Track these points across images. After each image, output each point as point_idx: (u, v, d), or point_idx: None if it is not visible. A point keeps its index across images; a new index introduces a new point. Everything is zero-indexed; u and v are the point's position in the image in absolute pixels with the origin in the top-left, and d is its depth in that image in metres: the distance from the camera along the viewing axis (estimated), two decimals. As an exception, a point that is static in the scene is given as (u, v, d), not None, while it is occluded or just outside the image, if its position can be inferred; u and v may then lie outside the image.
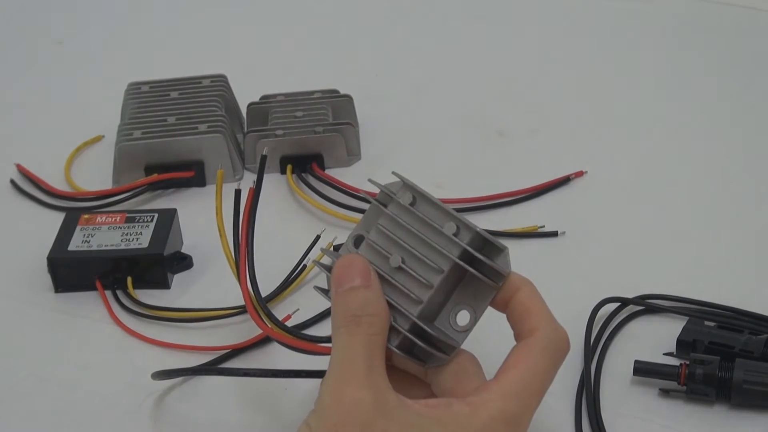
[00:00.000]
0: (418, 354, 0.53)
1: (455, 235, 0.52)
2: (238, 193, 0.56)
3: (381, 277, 0.53)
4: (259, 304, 0.56)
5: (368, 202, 0.55)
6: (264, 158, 0.57)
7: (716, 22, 1.02)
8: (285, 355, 0.66)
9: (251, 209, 0.56)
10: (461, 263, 0.52)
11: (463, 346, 0.53)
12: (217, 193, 0.57)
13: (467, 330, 0.53)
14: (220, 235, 0.57)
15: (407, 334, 0.52)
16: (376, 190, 0.55)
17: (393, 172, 0.54)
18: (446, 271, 0.52)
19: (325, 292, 0.55)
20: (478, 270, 0.52)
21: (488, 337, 0.55)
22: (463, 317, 0.53)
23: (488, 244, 0.53)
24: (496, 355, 0.52)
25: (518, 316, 0.52)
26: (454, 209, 0.53)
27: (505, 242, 0.53)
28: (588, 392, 0.62)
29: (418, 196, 0.54)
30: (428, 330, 0.52)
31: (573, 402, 0.61)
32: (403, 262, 0.53)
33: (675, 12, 1.05)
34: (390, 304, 0.52)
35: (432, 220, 0.53)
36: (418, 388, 0.54)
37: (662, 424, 0.60)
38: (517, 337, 0.52)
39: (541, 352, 0.51)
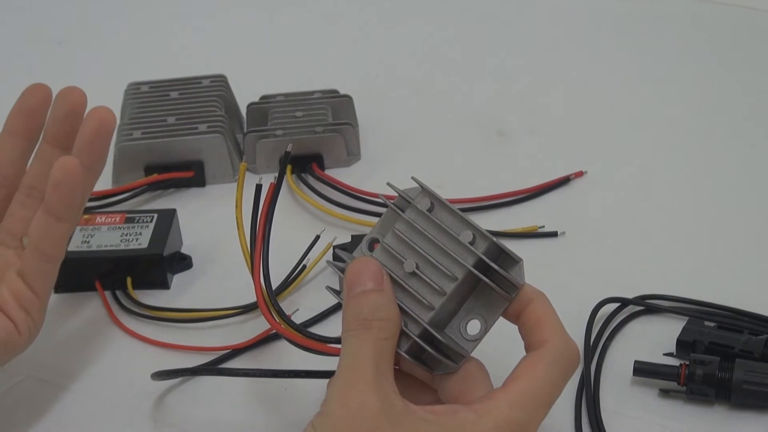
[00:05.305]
0: (426, 360, 0.53)
1: (471, 243, 0.52)
2: (258, 187, 0.56)
3: (394, 282, 0.53)
4: (270, 300, 0.56)
5: (385, 206, 0.55)
6: (288, 154, 0.57)
7: (716, 22, 1.02)
8: (285, 355, 0.67)
9: (270, 204, 0.56)
10: (476, 272, 0.52)
11: (472, 354, 0.53)
12: (238, 186, 0.57)
13: (477, 340, 0.53)
14: (238, 228, 0.57)
15: (417, 339, 0.52)
16: (394, 195, 0.55)
17: (412, 178, 0.55)
18: (460, 279, 0.52)
19: (337, 293, 0.55)
20: (492, 280, 0.52)
21: (497, 345, 0.55)
22: (473, 326, 0.53)
23: (503, 255, 0.53)
24: (504, 363, 0.52)
25: (530, 327, 0.52)
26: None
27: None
28: (588, 392, 0.62)
29: (436, 202, 0.54)
30: (438, 337, 0.52)
31: (573, 402, 0.61)
32: (417, 267, 0.53)
33: (675, 12, 1.04)
34: (402, 309, 0.52)
35: (449, 227, 0.53)
36: (424, 394, 0.54)
37: (662, 424, 0.60)
38: (528, 348, 0.52)
39: (551, 364, 0.51)
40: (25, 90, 0.63)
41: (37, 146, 0.63)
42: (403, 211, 0.54)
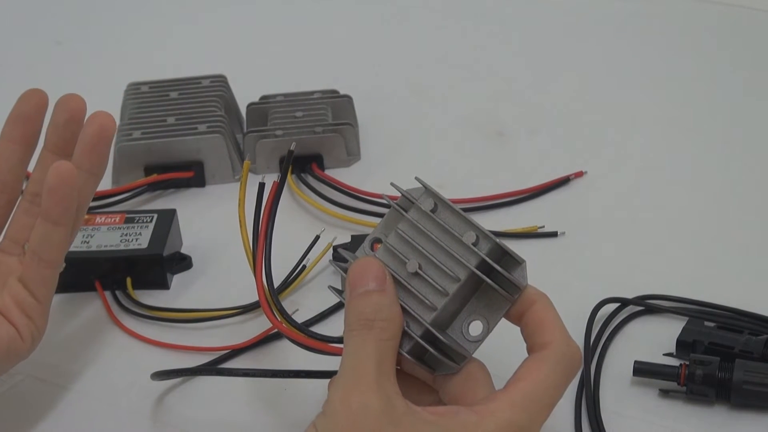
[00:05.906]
0: (428, 361, 0.53)
1: (474, 244, 0.52)
2: (261, 186, 0.56)
3: (397, 282, 0.53)
4: (273, 299, 0.56)
5: (388, 206, 0.55)
6: (291, 153, 0.58)
7: (716, 22, 1.02)
8: (284, 355, 0.67)
9: (273, 202, 0.56)
10: (478, 273, 0.52)
11: (473, 355, 0.53)
12: (241, 184, 0.57)
13: (479, 341, 0.53)
14: (240, 226, 0.57)
15: (419, 340, 0.52)
16: (397, 195, 0.55)
17: (416, 178, 0.55)
18: (463, 279, 0.52)
19: (340, 292, 0.55)
20: (494, 281, 0.52)
21: (499, 346, 0.55)
22: (475, 327, 0.53)
23: (506, 256, 0.53)
24: (506, 364, 0.52)
25: (532, 329, 0.52)
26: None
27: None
28: (588, 392, 0.62)
29: (440, 203, 0.54)
30: (440, 337, 0.52)
31: (573, 402, 0.61)
32: (420, 268, 0.53)
33: (675, 12, 1.04)
34: (404, 310, 0.52)
35: (452, 228, 0.53)
36: (425, 394, 0.54)
37: (662, 424, 0.60)
38: (530, 350, 0.52)
39: (553, 366, 0.51)
40: (21, 96, 0.63)
41: (39, 153, 0.63)
42: (406, 212, 0.54)
